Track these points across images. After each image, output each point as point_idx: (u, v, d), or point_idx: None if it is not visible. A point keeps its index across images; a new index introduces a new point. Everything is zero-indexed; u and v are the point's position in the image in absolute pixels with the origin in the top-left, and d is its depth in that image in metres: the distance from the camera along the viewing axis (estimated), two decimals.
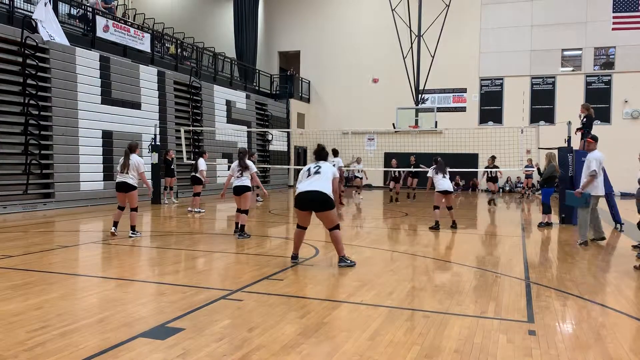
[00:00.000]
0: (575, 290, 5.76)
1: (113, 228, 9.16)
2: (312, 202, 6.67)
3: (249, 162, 9.42)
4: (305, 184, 6.77)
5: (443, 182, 10.78)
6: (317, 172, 6.79)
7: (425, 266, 7.09)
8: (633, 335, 4.29)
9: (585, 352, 3.87)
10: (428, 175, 11.11)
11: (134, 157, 9.14)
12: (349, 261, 6.83)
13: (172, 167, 16.60)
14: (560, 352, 3.86)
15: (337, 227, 6.82)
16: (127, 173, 9.05)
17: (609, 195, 11.94)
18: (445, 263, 7.30)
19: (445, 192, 10.80)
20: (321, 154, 7.21)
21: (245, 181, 9.31)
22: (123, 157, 9.18)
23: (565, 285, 5.96)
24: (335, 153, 16.53)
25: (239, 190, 9.29)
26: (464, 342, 4.01)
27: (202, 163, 14.18)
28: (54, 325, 4.25)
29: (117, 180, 9.25)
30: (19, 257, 7.24)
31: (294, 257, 7.07)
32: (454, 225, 10.94)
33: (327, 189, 6.70)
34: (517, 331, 4.30)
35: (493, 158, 17.63)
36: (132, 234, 9.19)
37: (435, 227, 10.73)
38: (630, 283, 6.18)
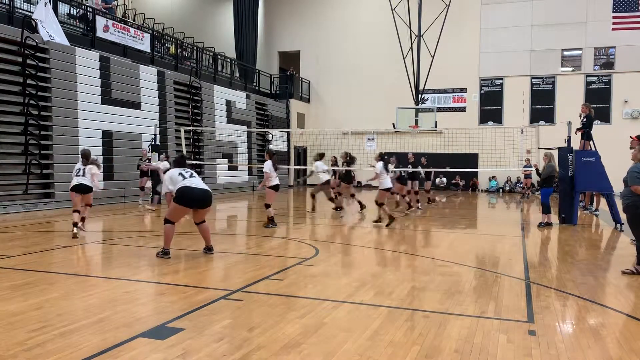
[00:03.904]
0: (575, 290, 5.76)
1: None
2: (205, 201, 7.26)
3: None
4: (194, 182, 7.21)
5: None
6: (192, 176, 7.29)
7: (425, 266, 7.09)
8: (633, 335, 4.29)
9: (585, 352, 3.87)
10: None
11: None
12: (213, 251, 7.55)
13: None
14: (560, 352, 3.86)
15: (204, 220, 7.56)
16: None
17: (609, 195, 11.98)
18: (445, 263, 7.29)
19: None
20: (182, 161, 7.63)
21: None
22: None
23: (565, 285, 5.96)
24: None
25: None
26: (464, 342, 4.01)
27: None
28: (54, 325, 4.25)
29: None
30: (19, 257, 7.24)
31: (168, 252, 7.27)
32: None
33: None
34: (517, 331, 4.30)
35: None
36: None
37: None
38: (630, 283, 6.18)
